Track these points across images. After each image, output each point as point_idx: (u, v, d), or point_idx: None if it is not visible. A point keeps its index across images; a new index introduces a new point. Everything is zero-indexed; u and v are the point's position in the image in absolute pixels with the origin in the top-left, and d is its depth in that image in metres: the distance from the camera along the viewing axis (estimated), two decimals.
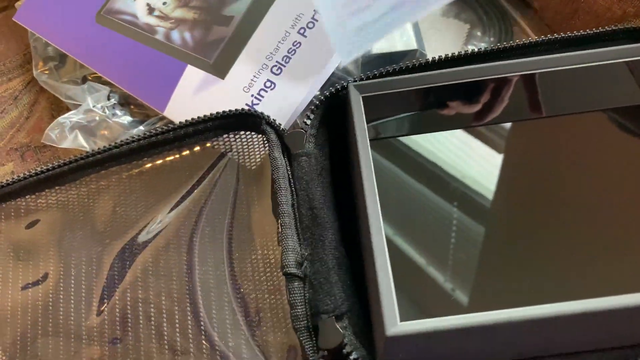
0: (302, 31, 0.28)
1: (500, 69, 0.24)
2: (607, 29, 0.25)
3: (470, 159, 0.22)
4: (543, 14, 0.32)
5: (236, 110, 0.25)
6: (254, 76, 0.28)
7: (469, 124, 0.23)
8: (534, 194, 0.21)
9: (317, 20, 0.28)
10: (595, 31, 0.25)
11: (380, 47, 0.29)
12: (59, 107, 0.34)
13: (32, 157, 0.33)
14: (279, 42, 0.28)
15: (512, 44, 0.25)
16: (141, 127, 0.29)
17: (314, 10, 0.28)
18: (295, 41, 0.28)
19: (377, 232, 0.20)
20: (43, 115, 0.34)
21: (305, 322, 0.21)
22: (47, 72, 0.33)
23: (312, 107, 0.24)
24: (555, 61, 0.23)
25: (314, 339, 0.21)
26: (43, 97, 0.35)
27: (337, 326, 0.20)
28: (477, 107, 0.24)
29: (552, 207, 0.21)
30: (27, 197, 0.29)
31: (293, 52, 0.28)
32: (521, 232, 0.20)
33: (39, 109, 0.34)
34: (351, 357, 0.20)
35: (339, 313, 0.21)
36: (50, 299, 0.27)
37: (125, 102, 0.30)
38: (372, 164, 0.22)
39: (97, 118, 0.29)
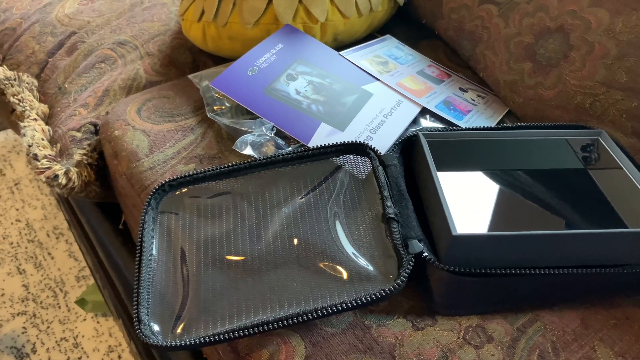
0: (385, 116, 0.53)
1: (500, 135, 0.49)
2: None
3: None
4: None
5: (350, 141, 0.48)
6: (359, 134, 0.51)
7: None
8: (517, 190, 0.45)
9: (394, 111, 0.53)
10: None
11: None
12: (219, 136, 0.55)
13: (207, 162, 0.52)
14: (373, 119, 0.53)
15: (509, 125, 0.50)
16: (290, 148, 0.50)
17: (391, 107, 0.53)
18: (381, 120, 0.53)
19: (441, 191, 0.42)
20: (211, 139, 0.54)
21: (401, 242, 0.41)
22: (218, 113, 0.54)
23: (397, 142, 0.48)
24: (529, 134, 0.49)
25: (406, 250, 0.41)
26: (210, 130, 0.55)
27: (419, 243, 0.41)
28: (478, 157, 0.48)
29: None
30: (212, 182, 0.48)
31: (380, 126, 0.52)
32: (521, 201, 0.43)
33: (207, 136, 0.55)
34: (426, 257, 0.40)
35: (418, 238, 0.41)
36: (232, 234, 0.45)
37: (277, 135, 0.52)
38: (433, 161, 0.44)
39: (265, 139, 0.50)
